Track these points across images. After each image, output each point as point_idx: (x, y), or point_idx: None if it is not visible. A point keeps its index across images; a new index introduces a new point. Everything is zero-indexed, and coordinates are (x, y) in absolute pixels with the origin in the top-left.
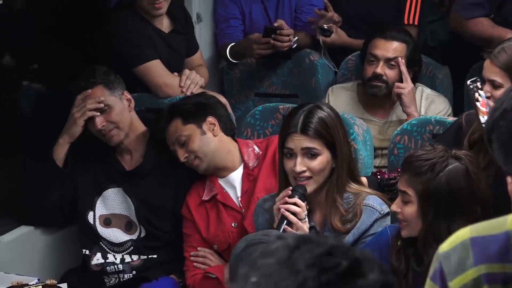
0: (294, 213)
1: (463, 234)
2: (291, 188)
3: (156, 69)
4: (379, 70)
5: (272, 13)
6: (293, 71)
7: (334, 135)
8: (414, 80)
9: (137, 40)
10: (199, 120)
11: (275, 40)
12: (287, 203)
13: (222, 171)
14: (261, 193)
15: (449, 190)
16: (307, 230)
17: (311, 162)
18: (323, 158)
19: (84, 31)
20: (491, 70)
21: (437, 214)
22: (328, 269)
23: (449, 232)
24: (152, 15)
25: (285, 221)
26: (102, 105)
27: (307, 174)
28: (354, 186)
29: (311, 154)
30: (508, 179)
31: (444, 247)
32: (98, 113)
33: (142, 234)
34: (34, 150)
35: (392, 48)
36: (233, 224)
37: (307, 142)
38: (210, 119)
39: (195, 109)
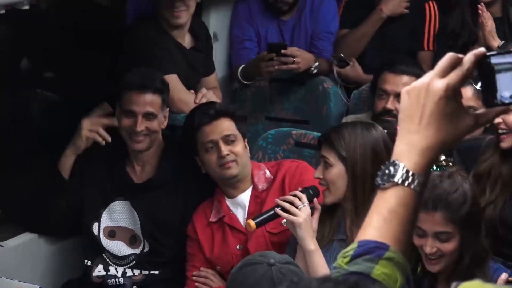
0: (291, 203)
1: None
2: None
3: (172, 83)
4: (389, 105)
5: (288, 37)
6: (305, 97)
7: (349, 151)
8: None
9: (156, 53)
10: (244, 133)
11: (279, 59)
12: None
13: (233, 190)
14: None
15: (476, 214)
16: (303, 216)
17: (326, 172)
18: (335, 170)
19: (105, 42)
20: None
21: (476, 238)
22: None
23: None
24: (171, 24)
25: (279, 208)
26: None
27: (322, 182)
28: None
29: (325, 163)
30: None
31: None
32: (103, 142)
33: (146, 249)
34: (43, 158)
35: (401, 82)
36: (238, 247)
37: (323, 151)
38: (246, 139)
39: (244, 121)
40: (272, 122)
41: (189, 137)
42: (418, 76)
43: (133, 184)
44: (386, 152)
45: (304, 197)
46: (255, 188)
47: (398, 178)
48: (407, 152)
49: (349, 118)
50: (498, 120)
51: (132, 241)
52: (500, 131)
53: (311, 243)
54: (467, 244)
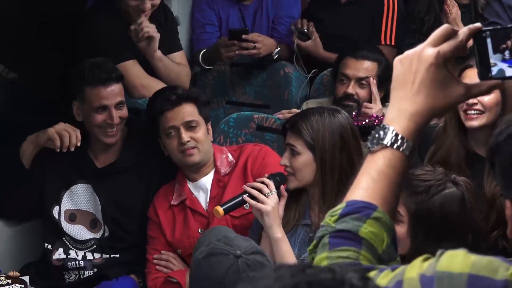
0: (259, 190)
1: (462, 265)
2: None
3: (133, 69)
4: (350, 90)
5: (249, 21)
6: (266, 82)
7: (317, 139)
8: (386, 99)
9: (115, 40)
10: (207, 117)
11: (239, 44)
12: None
13: (195, 174)
14: None
15: (441, 214)
16: (271, 204)
17: (293, 159)
18: (302, 158)
19: (63, 29)
20: None
21: (427, 236)
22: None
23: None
24: (134, 19)
25: (247, 194)
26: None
27: (288, 169)
28: None
29: (292, 151)
30: (507, 203)
31: (439, 266)
32: (58, 149)
33: (106, 234)
34: (4, 143)
35: (363, 67)
36: (199, 230)
37: (290, 139)
38: (209, 123)
39: (207, 105)
40: (233, 106)
41: (152, 122)
42: (379, 61)
43: (95, 168)
44: (353, 138)
45: (272, 184)
46: (217, 172)
47: (387, 141)
48: (397, 116)
49: (310, 103)
50: (473, 101)
51: (92, 225)
52: (473, 112)
53: (278, 231)
54: (417, 244)
